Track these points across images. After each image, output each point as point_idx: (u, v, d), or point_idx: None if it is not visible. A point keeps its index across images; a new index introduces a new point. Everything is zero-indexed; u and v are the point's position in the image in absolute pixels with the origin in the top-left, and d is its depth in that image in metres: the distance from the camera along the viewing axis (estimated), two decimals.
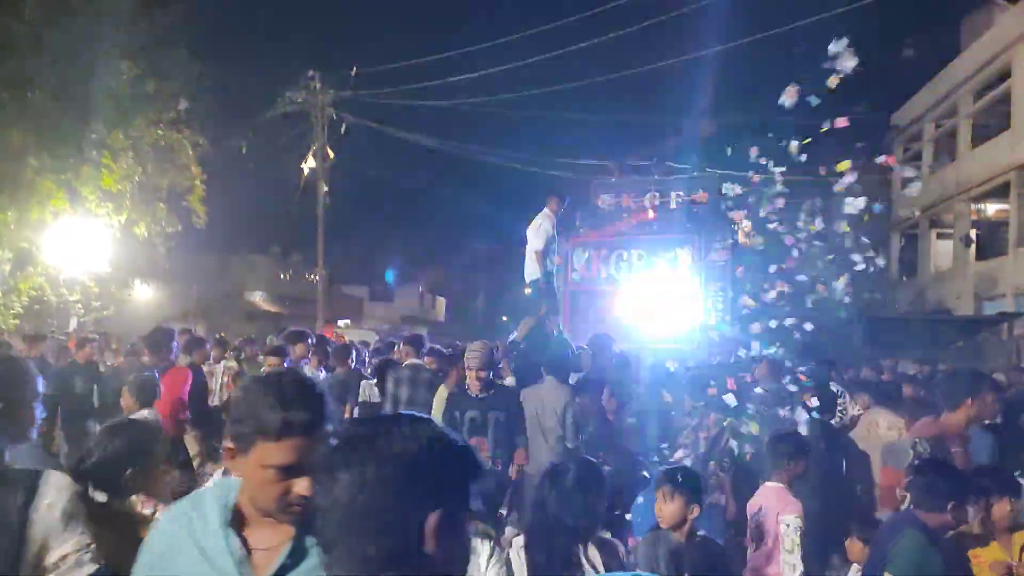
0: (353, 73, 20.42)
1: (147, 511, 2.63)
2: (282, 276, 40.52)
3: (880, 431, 5.41)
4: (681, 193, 11.41)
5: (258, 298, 38.14)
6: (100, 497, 2.51)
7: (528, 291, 8.98)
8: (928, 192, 24.89)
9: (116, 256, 17.18)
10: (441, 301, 52.01)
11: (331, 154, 21.20)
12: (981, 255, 22.82)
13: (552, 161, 21.44)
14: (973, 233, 22.77)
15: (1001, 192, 20.88)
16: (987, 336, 17.43)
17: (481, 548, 2.80)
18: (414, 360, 6.45)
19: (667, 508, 3.21)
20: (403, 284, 48.15)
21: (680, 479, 3.26)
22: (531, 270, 8.87)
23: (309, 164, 20.84)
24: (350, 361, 7.76)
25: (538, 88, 19.93)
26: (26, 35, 14.31)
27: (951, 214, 23.79)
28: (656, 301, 10.69)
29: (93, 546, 1.96)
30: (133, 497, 2.64)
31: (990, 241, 23.44)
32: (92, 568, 1.95)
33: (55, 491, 1.97)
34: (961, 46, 23.44)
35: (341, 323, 30.31)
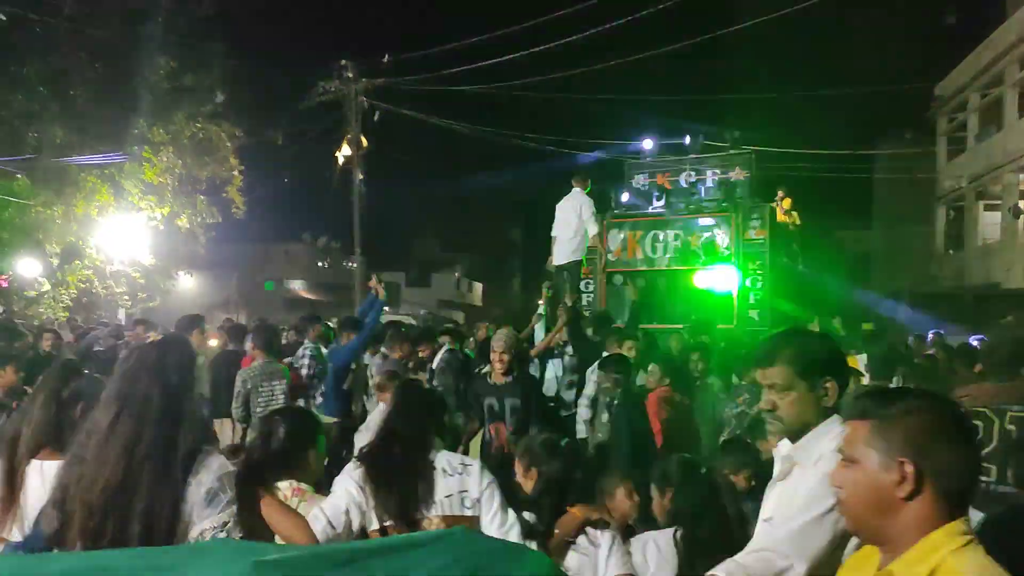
0: (385, 60, 20.45)
1: (294, 498, 2.70)
2: (320, 264, 40.95)
3: None
4: (717, 171, 11.26)
5: (297, 286, 38.63)
6: (256, 480, 2.61)
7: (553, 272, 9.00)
8: (974, 163, 24.25)
9: (159, 248, 17.54)
10: (478, 286, 52.16)
11: (365, 142, 21.29)
12: None
13: (586, 143, 21.31)
14: (1022, 204, 22.14)
15: None
16: None
17: (602, 539, 2.78)
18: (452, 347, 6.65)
19: None
20: (440, 269, 48.37)
21: None
22: (569, 252, 8.84)
23: (344, 152, 20.96)
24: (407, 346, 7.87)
25: (572, 69, 19.77)
26: (67, 34, 14.60)
27: (999, 185, 23.16)
28: (693, 281, 10.60)
29: (230, 525, 2.07)
30: (283, 483, 2.73)
31: None
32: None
33: (206, 470, 2.09)
34: (1006, 12, 22.72)
35: None
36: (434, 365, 7.04)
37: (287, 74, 20.66)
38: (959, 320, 14.58)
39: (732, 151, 11.75)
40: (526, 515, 2.84)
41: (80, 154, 14.96)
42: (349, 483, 2.73)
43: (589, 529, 2.78)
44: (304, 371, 6.68)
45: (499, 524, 2.71)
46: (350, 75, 20.83)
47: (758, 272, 10.35)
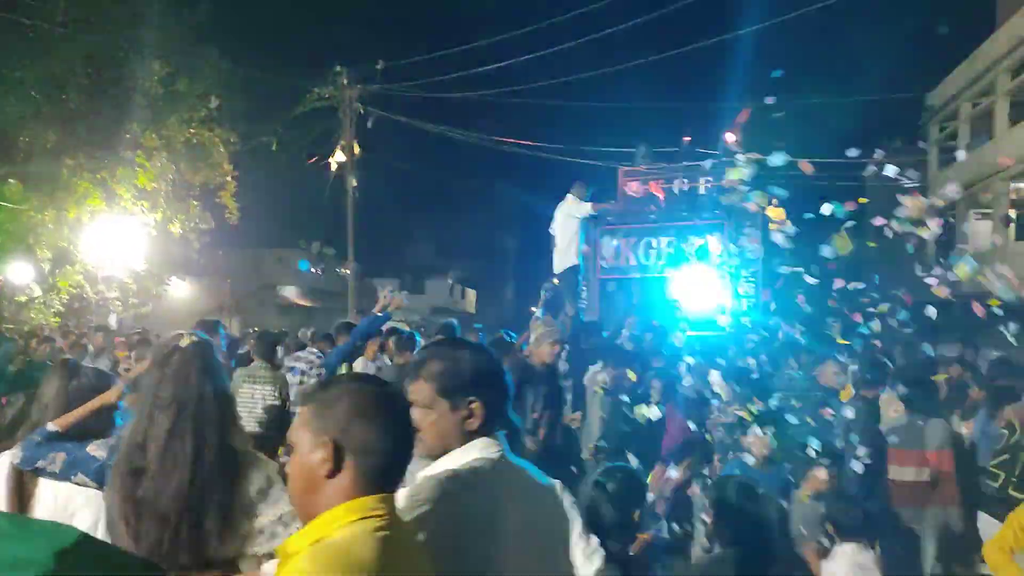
0: (379, 67, 20.48)
1: None
2: (313, 270, 40.88)
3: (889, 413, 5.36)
4: (710, 179, 11.28)
5: (291, 292, 38.54)
6: None
7: (556, 282, 9.05)
8: (965, 172, 24.39)
9: (152, 253, 17.48)
10: (471, 293, 52.15)
11: (359, 148, 21.31)
12: (1021, 235, 22.35)
13: (579, 150, 21.35)
14: (1013, 213, 22.27)
15: None
16: None
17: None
18: None
19: None
20: (433, 276, 48.34)
21: None
22: (564, 260, 8.90)
23: (337, 158, 20.97)
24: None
25: (566, 77, 19.86)
26: (60, 37, 14.56)
27: (989, 194, 23.30)
28: (686, 287, 10.62)
29: (285, 517, 2.14)
30: None
31: None
32: (283, 539, 2.11)
33: (256, 471, 2.19)
34: (997, 23, 22.89)
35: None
36: None
37: (281, 80, 20.63)
38: (949, 328, 14.62)
39: (725, 158, 11.78)
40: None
41: (73, 159, 14.92)
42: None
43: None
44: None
45: (584, 546, 2.55)
46: (344, 81, 20.87)
47: (751, 279, 10.38)
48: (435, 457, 1.88)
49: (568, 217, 8.93)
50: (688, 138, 12.10)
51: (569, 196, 9.08)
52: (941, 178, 26.00)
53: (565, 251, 8.99)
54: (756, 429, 4.16)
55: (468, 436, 1.86)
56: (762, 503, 3.14)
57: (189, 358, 2.25)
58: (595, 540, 2.60)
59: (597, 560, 2.55)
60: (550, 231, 9.29)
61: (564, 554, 1.95)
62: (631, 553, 2.74)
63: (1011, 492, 3.78)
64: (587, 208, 9.38)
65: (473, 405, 1.86)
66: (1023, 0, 20.77)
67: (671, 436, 5.38)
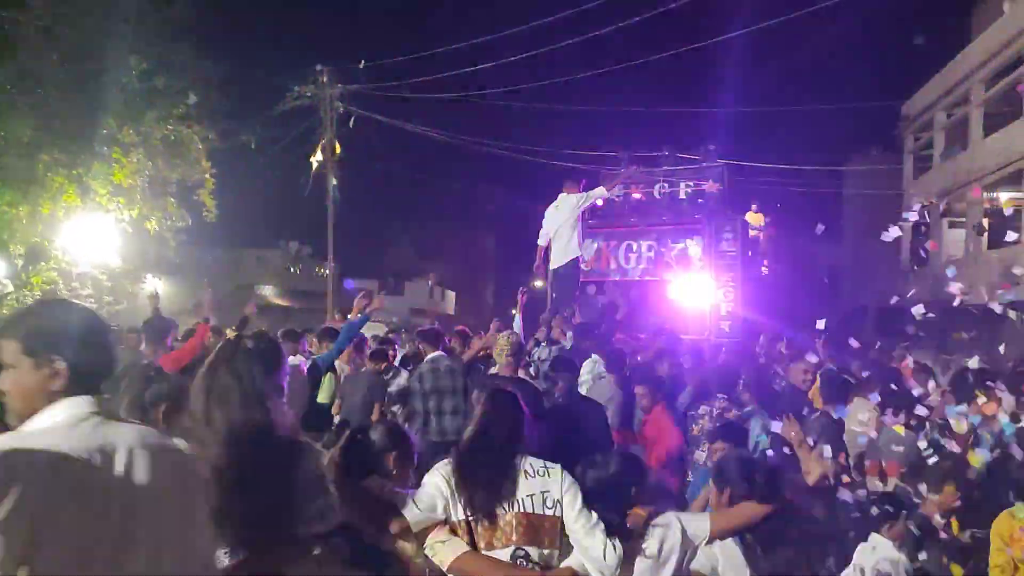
0: (361, 66, 20.42)
1: (395, 495, 2.96)
2: (292, 270, 40.68)
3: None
4: (691, 183, 11.36)
5: (269, 292, 38.29)
6: (359, 476, 2.93)
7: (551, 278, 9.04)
8: (940, 181, 24.72)
9: (127, 250, 17.27)
10: (451, 294, 52.06)
11: (339, 148, 21.22)
12: (993, 244, 22.67)
13: (561, 152, 21.42)
14: (985, 222, 22.60)
15: (1014, 180, 20.74)
16: (1000, 326, 17.30)
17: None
18: (435, 353, 6.53)
19: None
20: (413, 277, 48.21)
21: None
22: (563, 254, 8.84)
23: (317, 158, 20.86)
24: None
25: (549, 79, 19.90)
26: (35, 30, 14.36)
27: (963, 203, 23.64)
28: (666, 292, 10.68)
29: (335, 504, 2.33)
30: (371, 482, 3.01)
31: (1003, 230, 23.27)
32: (332, 524, 2.31)
33: (307, 459, 2.32)
34: (972, 34, 23.26)
35: (350, 316, 30.36)
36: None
37: (261, 78, 20.52)
38: (923, 335, 14.79)
39: (705, 164, 11.87)
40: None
41: (48, 154, 14.70)
42: (438, 477, 2.95)
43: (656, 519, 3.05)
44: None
45: (584, 522, 2.86)
46: (325, 80, 20.78)
47: (730, 284, 10.45)
48: (23, 420, 1.79)
49: (573, 209, 8.82)
50: (669, 148, 12.18)
51: (562, 194, 9.02)
52: (916, 186, 26.35)
53: (565, 245, 8.87)
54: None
55: (52, 397, 1.78)
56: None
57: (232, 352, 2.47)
58: (595, 515, 2.87)
59: (599, 533, 2.83)
60: (542, 235, 9.08)
61: (188, 517, 1.86)
62: (628, 525, 2.94)
63: None
64: (601, 191, 9.34)
65: (57, 364, 1.78)
66: (998, 13, 21.12)
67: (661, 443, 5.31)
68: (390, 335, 12.52)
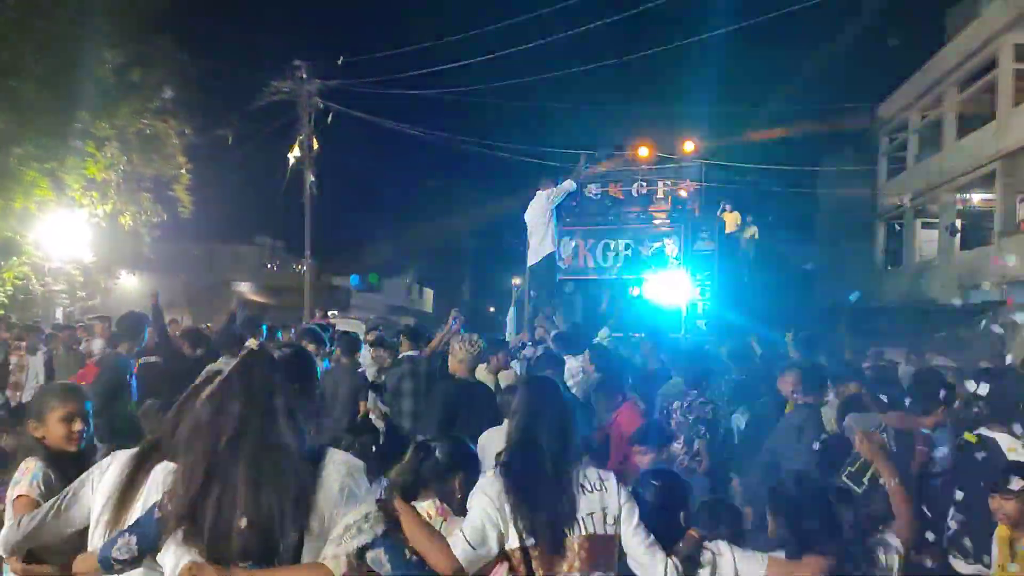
0: (340, 62, 20.33)
1: (438, 518, 2.76)
2: (269, 266, 40.41)
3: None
4: (668, 182, 11.43)
5: (245, 288, 38.00)
6: (403, 495, 2.69)
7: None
8: (913, 182, 25.04)
9: (101, 245, 17.09)
10: (429, 291, 51.93)
11: (317, 144, 21.11)
12: (966, 245, 22.99)
13: (539, 150, 21.45)
14: (958, 223, 22.92)
15: (986, 182, 21.04)
16: (972, 326, 17.59)
17: (723, 547, 2.79)
18: (411, 352, 6.50)
19: None
20: (391, 275, 48.02)
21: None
22: (539, 250, 8.84)
23: (295, 154, 20.73)
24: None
25: (526, 77, 19.93)
26: (10, 23, 14.15)
27: (936, 204, 23.95)
28: (643, 290, 10.74)
29: (372, 515, 2.15)
30: (426, 502, 2.82)
31: (975, 231, 23.63)
32: (370, 536, 2.12)
33: (333, 467, 2.18)
34: (946, 37, 23.55)
35: (330, 313, 30.23)
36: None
37: (239, 73, 20.32)
38: (896, 336, 15.00)
39: (683, 164, 11.95)
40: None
41: (21, 147, 14.50)
42: (484, 499, 2.59)
43: (708, 544, 2.78)
44: None
45: (643, 538, 2.62)
46: (303, 75, 20.66)
47: (706, 282, 10.53)
48: None
49: (546, 205, 8.81)
50: (647, 143, 12.23)
51: (540, 192, 9.03)
52: (890, 188, 26.68)
53: (540, 241, 8.88)
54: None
55: None
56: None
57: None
58: (650, 533, 2.63)
59: (658, 552, 2.60)
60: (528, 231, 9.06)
61: None
62: (683, 549, 2.72)
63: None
64: (568, 185, 9.34)
65: None
66: (972, 16, 21.42)
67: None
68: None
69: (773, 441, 4.73)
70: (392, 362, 6.79)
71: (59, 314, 17.20)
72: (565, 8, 15.63)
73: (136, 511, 2.41)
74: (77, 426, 2.96)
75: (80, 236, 16.08)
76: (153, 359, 6.58)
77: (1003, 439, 4.00)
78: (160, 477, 2.39)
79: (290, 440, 2.16)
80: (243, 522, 2.06)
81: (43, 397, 3.08)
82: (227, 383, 2.23)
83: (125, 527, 2.34)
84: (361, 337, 8.09)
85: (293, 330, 10.79)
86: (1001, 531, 3.57)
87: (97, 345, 8.83)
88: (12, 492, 2.75)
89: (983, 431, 4.08)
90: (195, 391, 2.67)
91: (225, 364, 6.05)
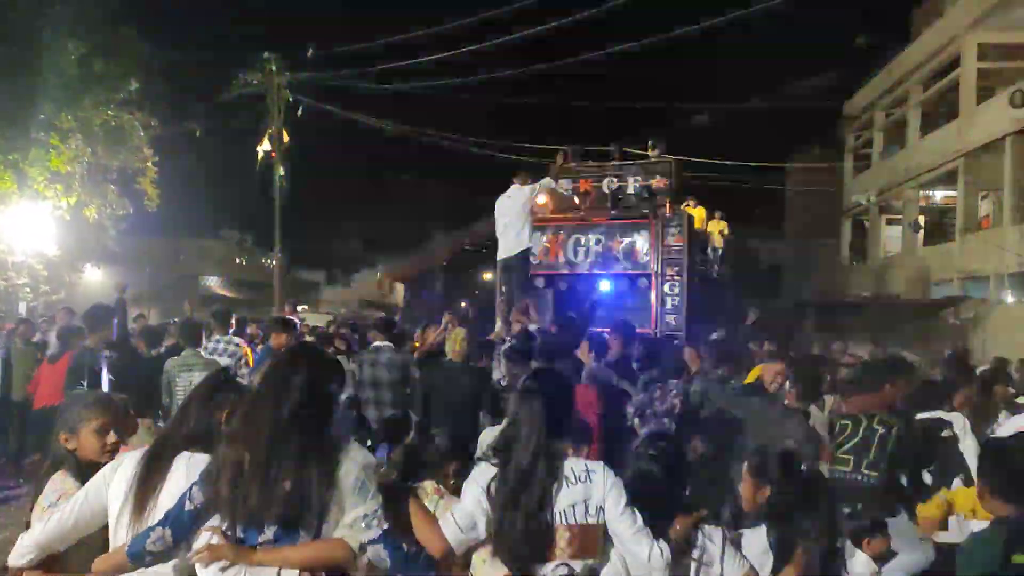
0: (309, 55, 20.14)
1: (435, 496, 3.06)
2: (237, 260, 39.97)
3: None
4: (639, 178, 11.49)
5: (213, 283, 37.56)
6: (409, 478, 3.02)
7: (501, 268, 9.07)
8: (878, 179, 25.45)
9: (65, 239, 16.78)
10: (399, 286, 51.72)
11: (287, 137, 20.91)
12: (929, 241, 23.42)
13: (510, 145, 21.46)
14: (921, 219, 23.34)
15: (949, 179, 21.45)
16: (935, 320, 17.95)
17: (715, 535, 2.90)
18: (380, 343, 6.52)
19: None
20: (361, 268, 47.75)
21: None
22: (513, 245, 8.83)
23: (265, 147, 20.52)
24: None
25: (499, 72, 19.90)
26: None
27: (900, 200, 24.35)
28: (613, 285, 10.81)
29: (381, 512, 2.35)
30: (428, 482, 3.12)
31: (938, 227, 24.08)
32: (378, 532, 2.32)
33: (350, 461, 2.32)
34: (911, 36, 23.93)
35: (299, 307, 30.00)
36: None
37: (207, 64, 20.07)
38: (861, 330, 15.26)
39: (653, 159, 12.02)
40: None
41: None
42: (476, 488, 2.75)
43: (703, 527, 2.88)
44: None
45: (629, 524, 2.67)
46: (273, 68, 20.44)
47: (676, 278, 10.62)
48: None
49: (525, 200, 8.79)
50: (617, 143, 12.32)
51: (514, 185, 9.00)
52: (855, 185, 27.08)
53: (516, 236, 8.82)
54: None
55: None
56: None
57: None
58: (639, 516, 2.69)
59: (645, 536, 2.67)
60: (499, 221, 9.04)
61: None
62: (678, 528, 2.81)
63: (864, 470, 4.14)
64: (547, 182, 9.36)
65: None
66: (936, 15, 21.79)
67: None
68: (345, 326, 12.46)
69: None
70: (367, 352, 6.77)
71: (22, 308, 16.88)
72: (539, 3, 15.66)
73: (160, 504, 2.47)
74: (112, 438, 2.88)
75: (44, 229, 15.77)
76: (107, 354, 6.49)
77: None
78: (184, 467, 2.52)
79: (330, 427, 2.37)
80: (287, 484, 2.21)
81: (75, 408, 2.94)
82: (282, 372, 2.39)
83: (154, 521, 2.42)
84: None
85: (263, 321, 10.69)
86: None
87: (53, 337, 8.73)
88: (46, 514, 2.62)
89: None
90: (200, 391, 2.79)
91: (193, 356, 6.04)
